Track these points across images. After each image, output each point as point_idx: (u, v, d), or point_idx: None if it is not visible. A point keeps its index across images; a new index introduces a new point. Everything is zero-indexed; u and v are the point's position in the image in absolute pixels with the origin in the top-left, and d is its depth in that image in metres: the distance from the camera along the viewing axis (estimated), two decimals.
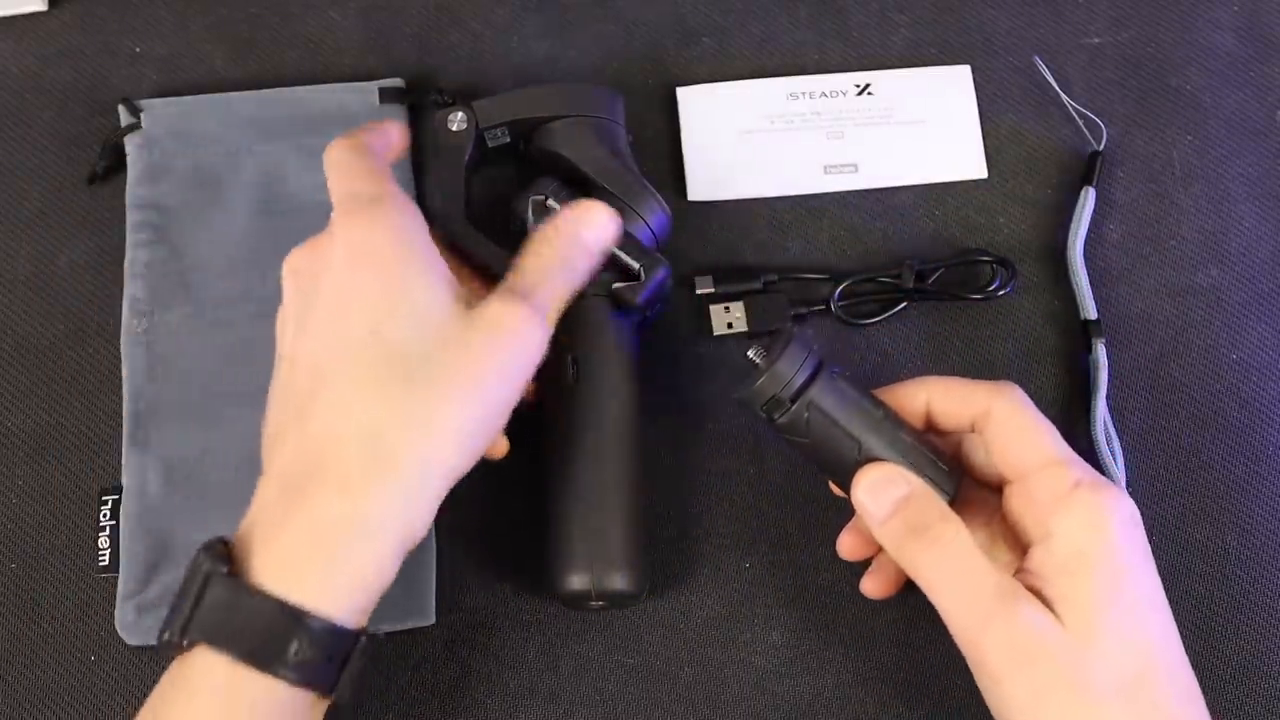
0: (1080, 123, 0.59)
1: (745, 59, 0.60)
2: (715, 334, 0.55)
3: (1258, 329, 0.57)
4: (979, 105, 0.59)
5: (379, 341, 0.41)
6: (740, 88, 0.59)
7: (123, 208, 0.55)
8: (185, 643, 0.39)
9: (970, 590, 0.42)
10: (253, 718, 0.39)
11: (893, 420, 0.45)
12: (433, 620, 0.51)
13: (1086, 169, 0.58)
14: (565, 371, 0.49)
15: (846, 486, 0.46)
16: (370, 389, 0.41)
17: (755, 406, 0.45)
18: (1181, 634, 0.52)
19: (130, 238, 0.54)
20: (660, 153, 0.58)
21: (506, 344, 0.42)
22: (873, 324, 0.56)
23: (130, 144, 0.55)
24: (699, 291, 0.55)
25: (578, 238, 0.46)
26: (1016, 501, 0.44)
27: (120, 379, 0.52)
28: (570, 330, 0.48)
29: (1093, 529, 0.42)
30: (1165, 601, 0.43)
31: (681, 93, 0.58)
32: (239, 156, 0.55)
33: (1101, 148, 0.58)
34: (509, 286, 0.44)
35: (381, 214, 0.43)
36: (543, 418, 0.50)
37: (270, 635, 0.39)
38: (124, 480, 0.51)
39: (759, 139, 0.58)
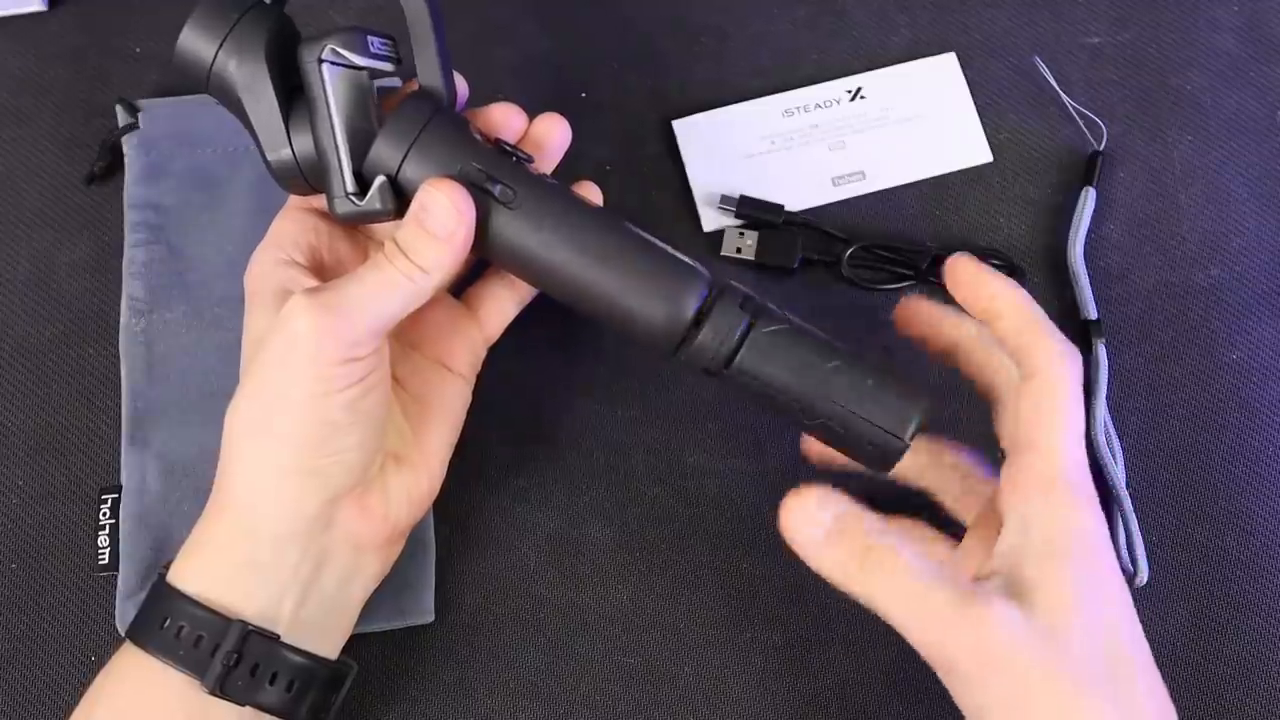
0: (1080, 123, 0.59)
1: (745, 60, 0.60)
2: (722, 253, 0.56)
3: (1258, 329, 0.57)
4: (979, 104, 0.59)
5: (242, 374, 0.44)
6: (734, 112, 0.59)
7: (121, 208, 0.55)
8: (125, 635, 0.44)
9: (926, 608, 0.40)
10: (143, 691, 0.42)
11: (839, 369, 0.43)
12: (432, 619, 0.51)
13: (1086, 169, 0.58)
14: (493, 205, 0.43)
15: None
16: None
17: (697, 370, 0.44)
18: (1181, 634, 0.53)
19: (128, 237, 0.54)
20: (666, 184, 0.58)
21: (278, 336, 0.42)
22: (877, 290, 0.56)
23: (128, 144, 0.55)
24: (721, 208, 0.57)
25: (421, 235, 0.42)
26: (1008, 471, 0.43)
27: (119, 379, 0.52)
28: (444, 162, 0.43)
29: (1070, 518, 0.41)
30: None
31: (678, 125, 0.58)
32: (237, 156, 0.55)
33: (1102, 148, 0.58)
34: (320, 287, 0.43)
35: (257, 250, 0.46)
36: (511, 256, 0.45)
37: (151, 617, 0.42)
38: (123, 479, 0.51)
39: (762, 161, 0.58)
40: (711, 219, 0.57)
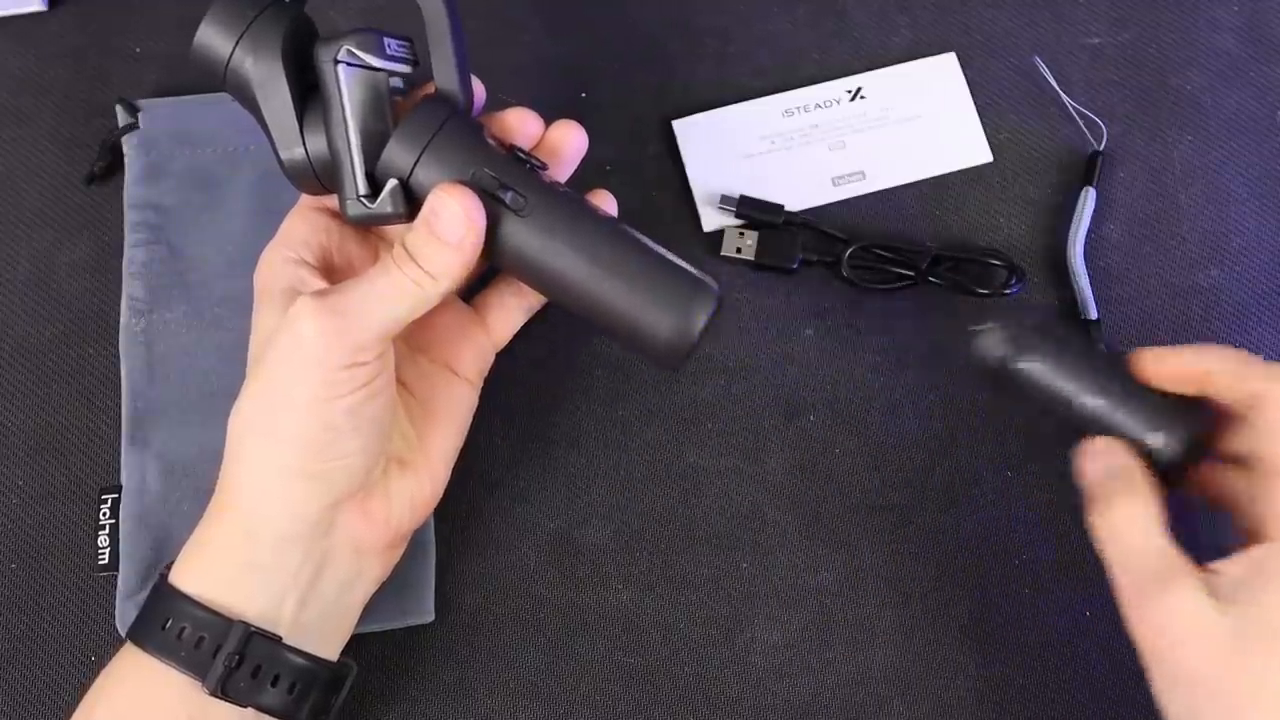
0: (1080, 123, 0.59)
1: (745, 60, 0.60)
2: (722, 253, 0.56)
3: (1258, 329, 0.57)
4: (979, 104, 0.59)
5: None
6: (734, 112, 0.59)
7: (121, 208, 0.55)
8: (125, 635, 0.44)
9: (1134, 565, 0.41)
10: (143, 692, 0.42)
11: (1116, 380, 0.44)
12: (432, 619, 0.51)
13: (1086, 169, 0.58)
14: (504, 212, 0.43)
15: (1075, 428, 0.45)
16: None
17: (989, 352, 0.45)
18: None
19: (129, 237, 0.54)
20: (666, 184, 0.58)
21: (284, 337, 0.42)
22: (876, 290, 0.56)
23: (128, 144, 0.55)
24: (721, 207, 0.57)
25: (430, 240, 0.42)
26: (1262, 493, 0.42)
27: (119, 379, 0.52)
28: (460, 168, 0.43)
29: None
30: None
31: (678, 125, 0.58)
32: (237, 156, 0.55)
33: (1101, 148, 0.58)
34: (329, 289, 0.43)
35: (267, 247, 0.46)
36: (521, 263, 0.44)
37: (153, 618, 0.42)
38: (123, 479, 0.51)
39: (762, 161, 0.58)
40: (711, 219, 0.57)
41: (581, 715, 0.51)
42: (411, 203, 0.43)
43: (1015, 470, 0.54)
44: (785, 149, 0.58)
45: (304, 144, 0.44)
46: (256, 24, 0.43)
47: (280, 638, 0.43)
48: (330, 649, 0.45)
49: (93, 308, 0.54)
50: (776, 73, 0.60)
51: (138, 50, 0.58)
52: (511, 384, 0.54)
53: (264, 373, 0.42)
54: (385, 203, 0.43)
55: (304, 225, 0.46)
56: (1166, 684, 0.40)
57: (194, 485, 0.51)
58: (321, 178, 0.45)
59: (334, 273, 0.46)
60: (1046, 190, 0.58)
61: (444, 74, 0.45)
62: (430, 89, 0.46)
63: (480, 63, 0.59)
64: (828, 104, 0.59)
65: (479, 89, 0.47)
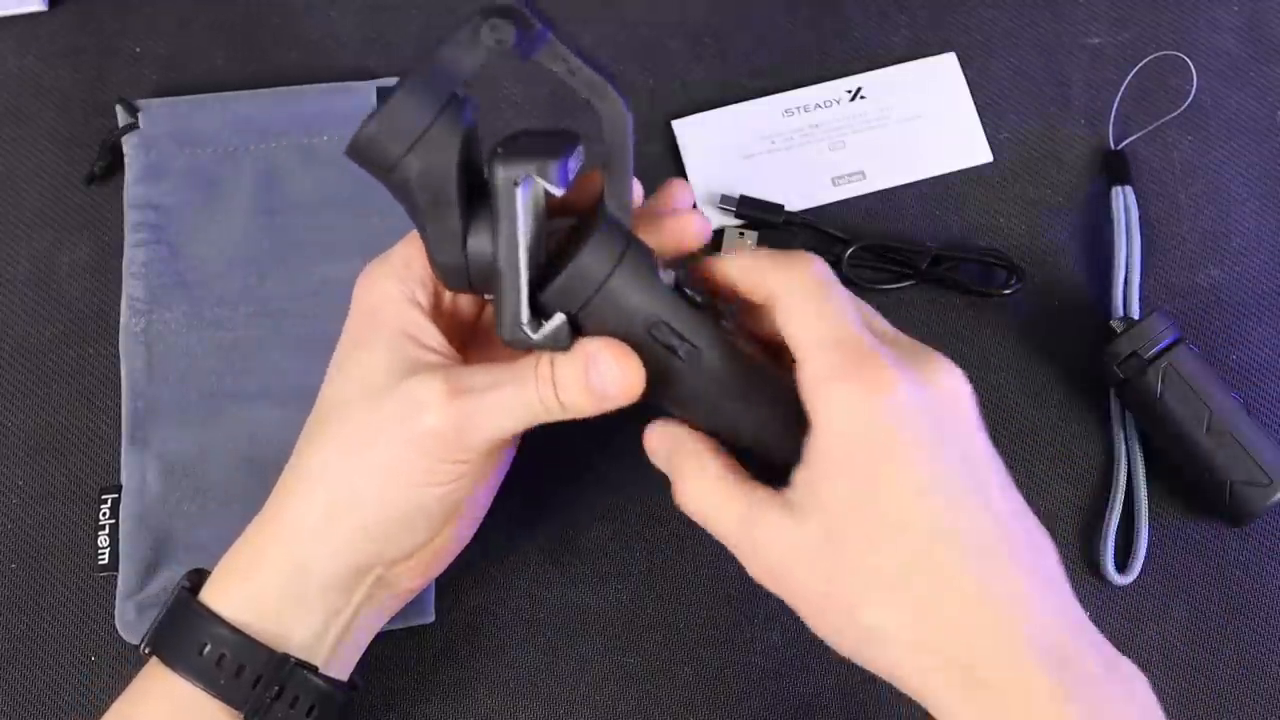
0: (1082, 122, 0.59)
1: (745, 60, 0.60)
2: (722, 253, 0.55)
3: (1258, 329, 0.57)
4: (979, 104, 0.59)
5: (324, 388, 0.43)
6: (734, 112, 0.59)
7: (122, 208, 0.55)
8: (146, 651, 0.42)
9: (722, 523, 0.41)
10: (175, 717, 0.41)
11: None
12: (432, 619, 0.51)
13: (1113, 168, 0.58)
14: (672, 359, 0.41)
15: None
16: (308, 426, 0.43)
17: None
18: (1180, 635, 0.53)
19: (129, 237, 0.54)
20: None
21: (402, 421, 0.41)
22: (877, 290, 0.56)
23: (128, 144, 0.55)
24: (721, 207, 0.57)
25: (581, 386, 0.41)
26: (799, 383, 0.40)
27: (119, 379, 0.52)
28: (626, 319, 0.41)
29: (836, 422, 0.38)
30: (968, 483, 0.38)
31: (677, 125, 0.58)
32: (237, 156, 0.55)
33: (1118, 147, 0.58)
34: (457, 372, 0.41)
35: (371, 270, 0.43)
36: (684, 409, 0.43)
37: (187, 640, 0.41)
38: (123, 479, 0.51)
39: (762, 161, 0.58)
40: (711, 219, 0.57)
41: (581, 715, 0.51)
42: (576, 334, 0.41)
43: (1014, 468, 0.54)
44: (785, 149, 0.58)
45: (465, 253, 0.41)
46: (432, 131, 0.39)
47: (317, 668, 0.42)
48: (348, 671, 0.45)
49: (93, 308, 0.54)
50: (776, 73, 0.60)
51: (138, 50, 0.59)
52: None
53: (363, 432, 0.41)
54: (550, 337, 0.41)
55: (423, 259, 0.43)
56: (802, 612, 0.40)
57: (194, 485, 0.51)
58: (475, 283, 0.42)
59: (442, 317, 0.44)
60: (1046, 190, 0.58)
61: (616, 201, 0.42)
62: (590, 182, 0.43)
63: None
64: (828, 104, 0.59)
65: (637, 190, 0.44)
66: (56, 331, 0.54)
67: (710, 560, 0.53)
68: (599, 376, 0.40)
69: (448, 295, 0.44)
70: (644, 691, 0.51)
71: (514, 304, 0.40)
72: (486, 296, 0.43)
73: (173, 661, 0.41)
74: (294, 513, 0.42)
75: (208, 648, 0.41)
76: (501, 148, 0.40)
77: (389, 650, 0.51)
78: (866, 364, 0.38)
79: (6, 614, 0.51)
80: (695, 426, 0.43)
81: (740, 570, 0.52)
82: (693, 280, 0.42)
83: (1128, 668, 0.38)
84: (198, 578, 0.43)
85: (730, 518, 0.40)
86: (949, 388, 0.39)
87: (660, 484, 0.54)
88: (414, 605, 0.50)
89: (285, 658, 0.41)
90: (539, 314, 0.41)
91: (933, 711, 0.38)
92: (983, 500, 0.38)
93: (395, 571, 0.44)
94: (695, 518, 0.42)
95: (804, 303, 0.39)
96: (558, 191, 0.40)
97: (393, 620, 0.50)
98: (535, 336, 0.41)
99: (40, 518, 0.52)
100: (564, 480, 0.53)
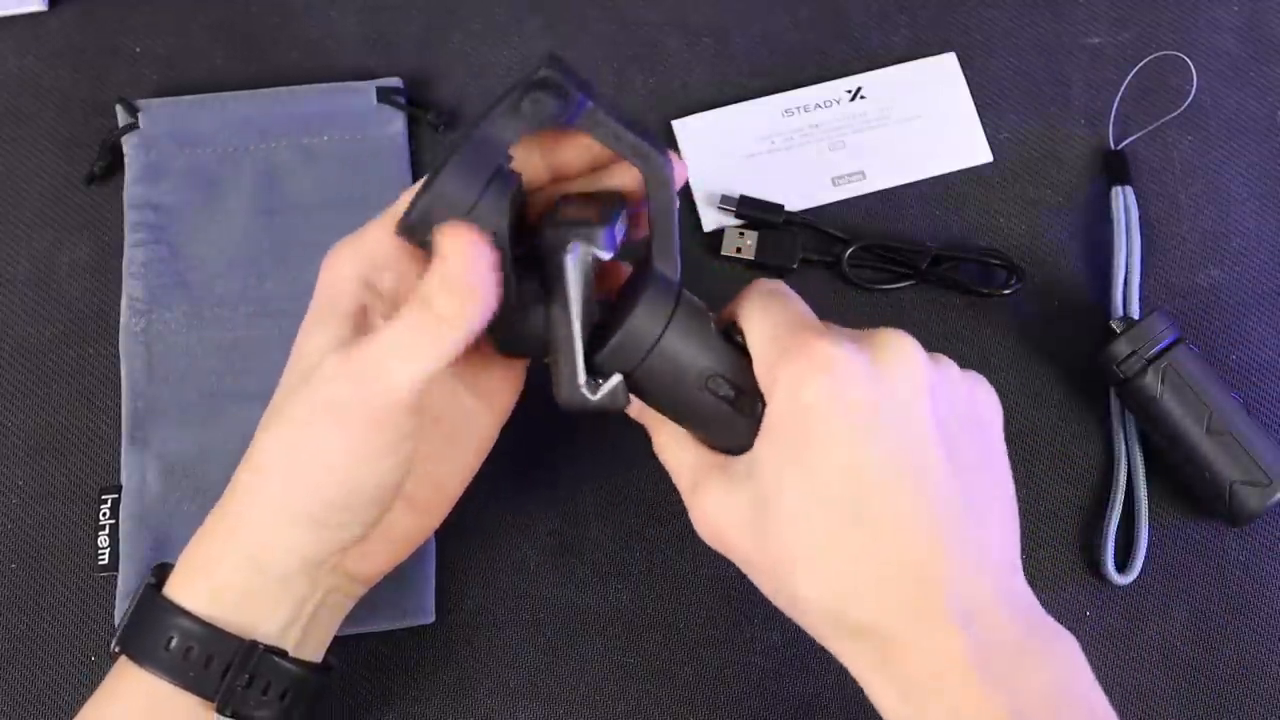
0: (1082, 122, 0.59)
1: (745, 60, 0.60)
2: (722, 253, 0.56)
3: (1258, 329, 0.57)
4: (979, 104, 0.59)
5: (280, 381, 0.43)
6: (734, 112, 0.59)
7: (121, 208, 0.55)
8: (115, 650, 0.42)
9: (680, 477, 0.43)
10: (148, 712, 0.41)
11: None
12: (432, 619, 0.51)
13: (1113, 168, 0.58)
14: (721, 409, 0.42)
15: None
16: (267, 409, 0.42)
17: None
18: (1180, 635, 0.53)
19: (129, 237, 0.54)
20: None
21: (316, 395, 0.40)
22: (877, 290, 0.56)
23: (128, 144, 0.55)
24: (721, 208, 0.57)
25: (450, 282, 0.40)
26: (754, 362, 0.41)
27: (119, 379, 0.52)
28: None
29: (775, 400, 0.39)
30: (901, 459, 0.38)
31: (677, 125, 0.58)
32: (237, 156, 0.55)
33: (1118, 147, 0.58)
34: (365, 340, 0.40)
35: (344, 245, 0.43)
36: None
37: (154, 635, 0.41)
38: (123, 479, 0.51)
39: (762, 160, 0.58)
40: (711, 219, 0.57)
41: (581, 715, 0.51)
42: (633, 391, 0.42)
43: (1015, 468, 0.54)
44: (785, 149, 0.58)
45: (521, 322, 0.42)
46: (480, 206, 0.39)
47: (286, 652, 0.42)
48: (321, 653, 0.45)
49: (93, 308, 0.54)
50: (776, 73, 0.60)
51: (138, 50, 0.58)
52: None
53: (298, 417, 0.41)
54: (608, 397, 0.41)
55: (390, 245, 0.42)
56: (744, 570, 0.41)
57: (194, 485, 0.51)
58: (530, 350, 0.43)
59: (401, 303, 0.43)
60: (1046, 190, 0.58)
61: (664, 258, 0.42)
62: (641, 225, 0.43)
63: (480, 63, 0.59)
64: (828, 104, 0.59)
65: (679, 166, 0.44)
66: (56, 331, 0.54)
67: (710, 560, 0.53)
68: (451, 269, 0.39)
69: (408, 281, 0.43)
70: (644, 691, 0.51)
71: (570, 368, 0.41)
72: (545, 360, 0.43)
73: (141, 658, 0.41)
74: (243, 505, 0.42)
75: (174, 640, 0.40)
76: (550, 215, 0.41)
77: (389, 650, 0.51)
78: (803, 345, 0.39)
79: (6, 614, 0.51)
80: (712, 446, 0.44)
81: (739, 571, 0.53)
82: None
83: (1050, 630, 0.39)
84: (163, 572, 0.43)
85: (684, 475, 0.43)
86: (895, 362, 0.39)
87: (660, 484, 0.54)
88: (414, 605, 0.51)
89: (254, 645, 0.41)
90: (596, 374, 0.41)
91: (854, 676, 0.40)
92: (914, 474, 0.38)
93: (354, 557, 0.43)
94: (663, 461, 0.44)
95: (753, 308, 0.42)
96: (606, 256, 0.41)
97: (393, 620, 0.50)
98: (593, 398, 0.41)
99: (40, 518, 0.52)
100: (564, 480, 0.53)
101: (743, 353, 0.42)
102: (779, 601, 0.41)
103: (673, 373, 0.41)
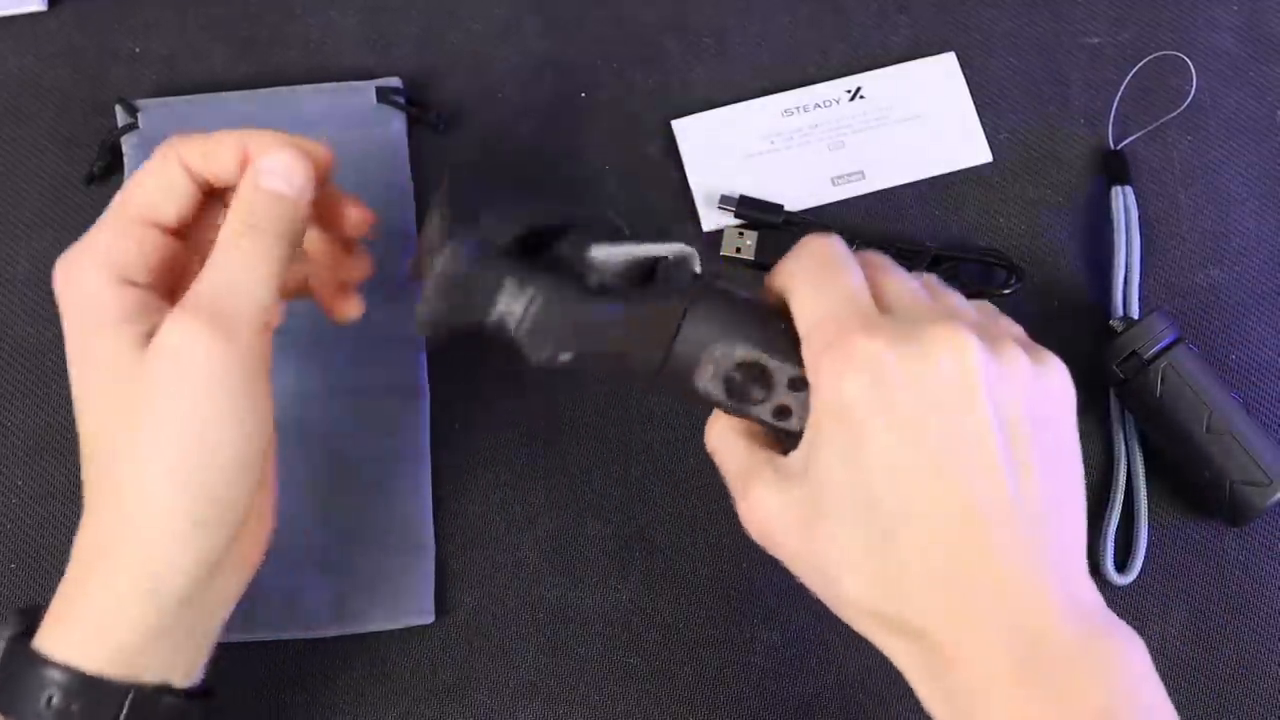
0: (1082, 122, 0.59)
1: (745, 60, 0.60)
2: (722, 253, 0.56)
3: (1258, 329, 0.57)
4: (979, 104, 0.59)
5: (81, 408, 0.41)
6: (734, 112, 0.59)
7: None
8: None
9: (727, 468, 0.42)
10: None
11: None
12: (432, 619, 0.51)
13: (1113, 168, 0.58)
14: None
15: None
16: (89, 460, 0.40)
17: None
18: (1180, 635, 0.53)
19: None
20: (665, 184, 0.58)
21: (182, 369, 0.39)
22: None
23: (128, 144, 0.55)
24: (721, 207, 0.56)
25: (267, 198, 0.42)
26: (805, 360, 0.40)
27: None
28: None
29: (823, 396, 0.38)
30: (951, 461, 0.37)
31: (677, 125, 0.58)
32: None
33: (1117, 147, 0.58)
34: (189, 297, 0.40)
35: (67, 260, 0.42)
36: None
37: (28, 692, 0.39)
38: None
39: (762, 160, 0.58)
40: (711, 219, 0.57)
41: (581, 715, 0.51)
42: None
43: None
44: (785, 149, 0.58)
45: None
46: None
47: (181, 692, 0.41)
48: (201, 673, 0.43)
49: None
50: (776, 73, 0.60)
51: (138, 50, 0.58)
52: (511, 383, 0.54)
53: (156, 410, 0.39)
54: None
55: (132, 242, 0.42)
56: (789, 567, 0.40)
57: None
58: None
59: (173, 290, 0.42)
60: (1046, 190, 0.58)
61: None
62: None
63: (480, 63, 0.59)
64: (828, 104, 0.59)
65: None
66: (56, 331, 0.54)
67: (710, 560, 0.53)
68: (270, 178, 0.42)
69: (169, 269, 0.43)
70: (644, 691, 0.51)
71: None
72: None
73: (17, 716, 0.39)
74: (128, 529, 0.39)
75: (53, 698, 0.38)
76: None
77: (389, 650, 0.51)
78: (852, 339, 0.37)
79: (7, 614, 0.51)
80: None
81: (740, 570, 0.53)
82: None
83: (1113, 636, 0.37)
84: (31, 618, 0.41)
85: (733, 466, 0.42)
86: (946, 360, 0.37)
87: (661, 484, 0.54)
88: (413, 605, 0.51)
89: (141, 690, 0.39)
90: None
91: (904, 676, 0.39)
92: (963, 476, 0.37)
93: (236, 550, 0.41)
94: (713, 455, 0.43)
95: (803, 284, 0.40)
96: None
97: (392, 620, 0.50)
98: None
99: (40, 517, 0.52)
100: (564, 480, 0.53)
101: (787, 328, 0.41)
102: (827, 600, 0.40)
103: (696, 361, 0.41)
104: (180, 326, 0.39)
